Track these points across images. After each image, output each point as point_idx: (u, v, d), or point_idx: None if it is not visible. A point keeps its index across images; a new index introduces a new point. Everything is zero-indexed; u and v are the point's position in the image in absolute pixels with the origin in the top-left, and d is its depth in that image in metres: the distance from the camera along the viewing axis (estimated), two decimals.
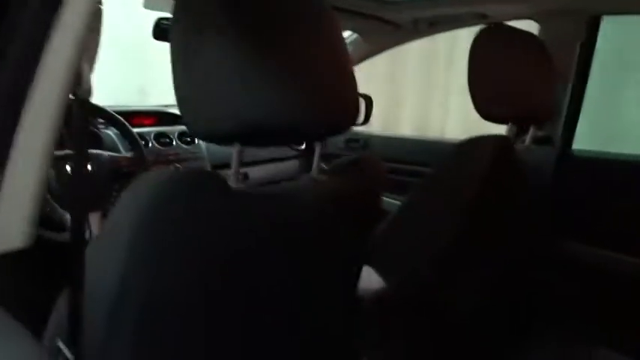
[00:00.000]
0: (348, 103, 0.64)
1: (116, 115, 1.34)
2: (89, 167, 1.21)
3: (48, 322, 0.61)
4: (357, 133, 1.97)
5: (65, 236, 1.15)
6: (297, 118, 0.58)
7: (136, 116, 1.59)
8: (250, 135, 0.58)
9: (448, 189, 1.09)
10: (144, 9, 1.49)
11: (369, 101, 2.03)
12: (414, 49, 2.96)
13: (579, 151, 1.47)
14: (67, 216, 1.17)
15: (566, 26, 1.37)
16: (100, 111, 1.32)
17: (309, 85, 0.58)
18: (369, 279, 1.07)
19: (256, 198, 0.63)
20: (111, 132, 1.45)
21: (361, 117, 2.12)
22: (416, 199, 1.16)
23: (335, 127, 0.66)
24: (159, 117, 1.69)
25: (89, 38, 0.43)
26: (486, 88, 1.10)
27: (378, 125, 2.47)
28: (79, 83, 0.43)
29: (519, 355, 1.15)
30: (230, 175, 0.62)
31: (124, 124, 1.35)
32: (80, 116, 0.45)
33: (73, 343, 0.54)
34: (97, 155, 1.26)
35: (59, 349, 0.55)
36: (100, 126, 1.45)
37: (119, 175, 1.30)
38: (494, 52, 1.10)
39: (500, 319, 1.32)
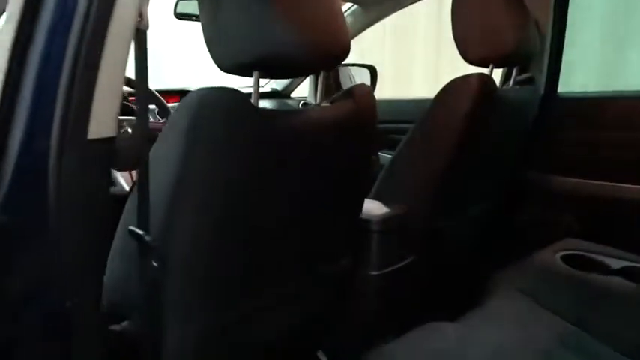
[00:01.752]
0: (343, 37, 0.82)
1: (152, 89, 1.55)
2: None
3: (121, 218, 0.78)
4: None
5: (117, 189, 1.32)
6: (305, 50, 0.75)
7: (163, 94, 1.78)
8: (267, 65, 0.76)
9: (439, 123, 1.23)
10: None
11: (373, 71, 2.19)
12: None
13: (564, 92, 1.60)
14: (118, 176, 1.34)
15: None
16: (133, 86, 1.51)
17: (311, 22, 0.75)
18: (373, 208, 1.23)
19: (275, 114, 0.81)
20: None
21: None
22: (412, 136, 1.31)
23: (336, 57, 0.83)
24: (182, 95, 1.89)
25: None
26: (468, 34, 1.25)
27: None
28: (140, 17, 0.61)
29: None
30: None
31: (159, 96, 1.55)
32: (141, 46, 0.63)
33: (142, 226, 0.70)
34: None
35: (132, 232, 0.71)
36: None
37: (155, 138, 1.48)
38: (472, 3, 1.25)
39: (490, 240, 1.46)
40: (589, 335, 0.84)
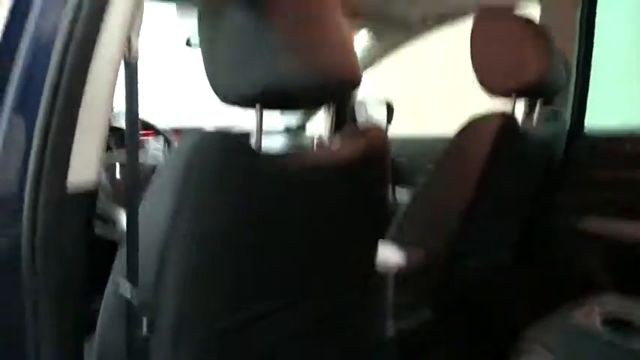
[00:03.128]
0: (352, 67, 0.74)
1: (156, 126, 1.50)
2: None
3: (112, 267, 0.71)
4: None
5: (111, 230, 1.26)
6: (311, 80, 0.68)
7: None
8: (270, 98, 0.68)
9: (457, 166, 1.16)
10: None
11: (390, 107, 2.13)
12: None
13: (591, 128, 1.52)
14: (116, 212, 1.28)
15: (566, 4, 1.44)
16: (142, 123, 1.46)
17: (317, 50, 0.68)
18: (389, 254, 1.14)
19: (279, 158, 0.73)
20: (150, 143, 1.61)
21: (383, 121, 2.23)
22: (430, 179, 1.24)
23: (345, 88, 0.76)
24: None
25: (136, 13, 0.54)
26: (488, 65, 1.18)
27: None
28: (129, 48, 0.54)
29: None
30: (252, 136, 0.72)
31: (164, 133, 1.50)
32: (130, 78, 0.56)
33: (131, 281, 0.63)
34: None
35: (121, 287, 0.64)
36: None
37: None
38: (493, 32, 1.19)
39: (515, 289, 1.37)
40: None
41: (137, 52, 0.55)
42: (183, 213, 0.63)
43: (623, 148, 1.44)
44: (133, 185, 0.58)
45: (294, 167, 0.74)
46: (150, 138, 1.60)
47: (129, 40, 0.53)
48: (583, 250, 1.43)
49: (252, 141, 0.70)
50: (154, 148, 1.58)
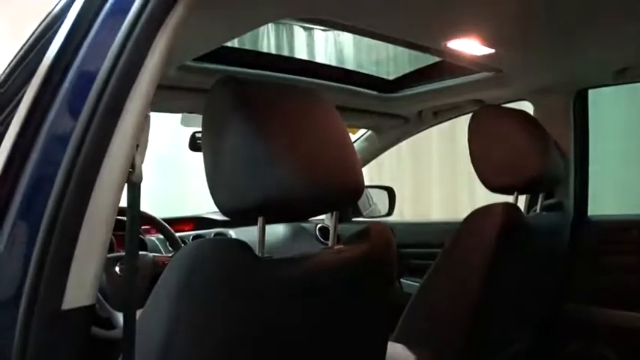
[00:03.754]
0: (354, 176, 0.75)
1: (160, 220, 1.50)
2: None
3: None
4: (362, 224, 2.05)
5: (114, 333, 1.23)
6: (313, 191, 0.69)
7: (176, 223, 1.74)
8: (272, 210, 0.69)
9: (463, 259, 1.15)
10: (180, 129, 1.70)
11: (391, 192, 2.15)
12: None
13: (595, 216, 1.52)
14: (116, 314, 1.26)
15: (558, 102, 1.50)
16: (145, 217, 1.47)
17: (320, 161, 0.70)
18: (398, 354, 1.10)
19: (281, 263, 0.73)
20: (153, 237, 1.60)
21: (385, 208, 2.23)
22: (436, 272, 1.22)
23: (348, 198, 0.77)
24: (197, 222, 1.86)
25: (140, 136, 0.56)
26: (488, 162, 1.20)
27: None
28: (132, 170, 0.56)
29: None
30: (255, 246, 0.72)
31: (167, 227, 1.50)
32: (134, 199, 0.57)
33: None
34: (143, 256, 1.39)
35: None
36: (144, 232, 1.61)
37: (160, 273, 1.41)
38: (490, 129, 1.22)
39: None
40: None
41: (141, 172, 0.57)
42: (183, 331, 0.62)
43: (629, 233, 1.43)
44: (129, 307, 0.57)
45: (299, 273, 0.73)
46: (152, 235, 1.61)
47: (133, 161, 0.55)
48: (597, 340, 1.38)
49: (255, 251, 0.70)
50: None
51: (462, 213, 1.35)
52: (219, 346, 0.65)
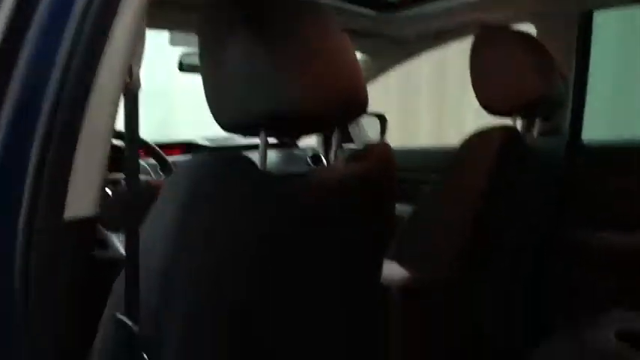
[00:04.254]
0: (358, 90, 0.73)
1: (152, 143, 1.47)
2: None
3: (107, 303, 0.68)
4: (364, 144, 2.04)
5: (107, 254, 1.23)
6: (317, 105, 0.66)
7: (165, 147, 1.71)
8: (275, 124, 0.67)
9: (460, 182, 1.15)
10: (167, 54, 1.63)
11: (382, 119, 2.12)
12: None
13: (589, 140, 1.52)
14: (109, 235, 1.25)
15: (561, 24, 1.45)
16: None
17: (323, 74, 0.66)
18: (393, 271, 1.13)
19: (284, 179, 0.71)
20: (143, 162, 1.58)
21: (376, 135, 2.21)
22: (432, 194, 1.22)
23: (353, 112, 0.74)
24: (186, 147, 1.83)
25: (137, 42, 0.53)
26: (489, 84, 1.17)
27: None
28: (130, 78, 0.52)
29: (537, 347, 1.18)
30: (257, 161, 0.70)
31: (159, 151, 1.47)
32: (131, 107, 0.54)
33: (131, 314, 0.60)
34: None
35: (119, 322, 0.62)
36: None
37: (153, 197, 1.40)
38: (492, 51, 1.18)
39: (518, 308, 1.35)
40: None
41: (139, 81, 0.53)
42: (187, 243, 0.61)
43: (623, 157, 1.44)
44: (131, 220, 0.56)
45: (302, 189, 0.72)
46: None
47: (130, 69, 0.52)
48: (595, 264, 1.43)
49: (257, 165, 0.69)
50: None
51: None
52: (219, 260, 0.65)
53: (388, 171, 0.87)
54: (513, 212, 1.25)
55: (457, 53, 3.09)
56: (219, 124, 0.69)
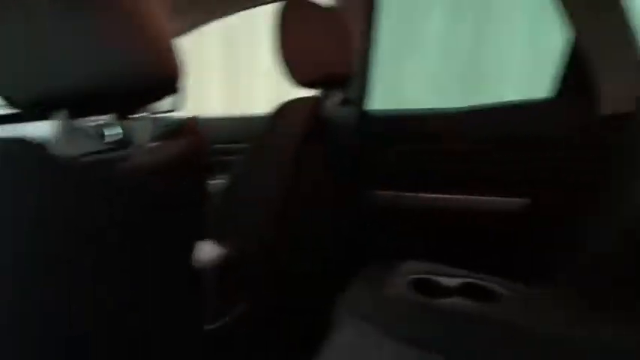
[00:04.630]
0: (175, 63, 0.66)
1: None
2: None
3: None
4: (170, 119, 1.93)
5: None
6: (127, 81, 0.58)
7: None
8: (77, 102, 0.57)
9: (270, 151, 1.15)
10: None
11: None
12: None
13: (372, 110, 1.68)
14: None
15: None
16: None
17: (133, 48, 0.58)
18: (206, 251, 1.09)
19: (89, 165, 0.62)
20: None
21: (170, 103, 2.09)
22: (243, 167, 1.21)
23: (168, 88, 0.67)
24: None
25: None
26: (294, 57, 1.19)
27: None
28: None
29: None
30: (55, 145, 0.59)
31: None
32: None
33: None
34: None
35: None
36: None
37: None
38: (296, 23, 1.20)
39: (331, 269, 1.46)
40: None
41: None
42: None
43: (407, 126, 1.63)
44: None
45: (108, 174, 0.64)
46: None
47: None
48: (389, 221, 1.60)
49: (55, 150, 0.58)
50: None
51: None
52: (14, 262, 0.54)
53: (202, 147, 0.83)
54: (321, 177, 1.32)
55: (247, 19, 3.09)
56: (6, 100, 0.56)
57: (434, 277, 0.98)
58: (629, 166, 1.18)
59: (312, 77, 1.18)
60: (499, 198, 1.50)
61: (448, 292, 0.95)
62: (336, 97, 1.37)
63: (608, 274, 0.96)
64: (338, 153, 1.43)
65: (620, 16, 1.41)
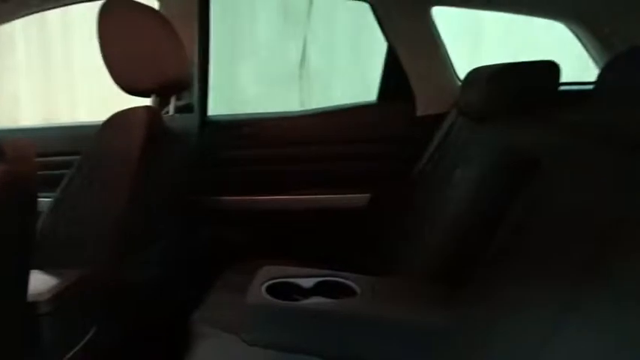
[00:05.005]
0: None
1: None
2: None
3: None
4: None
5: None
6: None
7: None
8: None
9: (109, 163, 1.07)
10: None
11: None
12: None
13: (214, 116, 1.66)
14: None
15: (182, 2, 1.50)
16: None
17: None
18: (39, 282, 0.97)
19: None
20: None
21: None
22: (74, 182, 1.10)
23: None
24: None
25: None
26: (123, 62, 1.11)
27: None
28: None
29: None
30: None
31: None
32: None
33: None
34: None
35: None
36: None
37: None
38: (120, 26, 1.11)
39: (183, 279, 1.41)
40: None
41: None
42: None
43: (242, 131, 1.64)
44: None
45: None
46: None
47: None
48: (231, 224, 1.59)
49: None
50: None
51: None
52: None
53: (30, 168, 0.73)
54: (161, 187, 1.26)
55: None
56: None
57: (291, 280, 1.00)
58: (447, 159, 1.35)
59: (144, 84, 1.12)
60: (341, 195, 1.59)
61: (306, 292, 0.98)
62: (172, 104, 1.32)
63: (440, 260, 1.08)
64: (179, 162, 1.38)
65: (429, 28, 1.61)
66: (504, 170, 1.03)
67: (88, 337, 1.03)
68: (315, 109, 1.77)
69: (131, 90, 1.13)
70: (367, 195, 1.58)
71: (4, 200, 0.70)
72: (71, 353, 0.97)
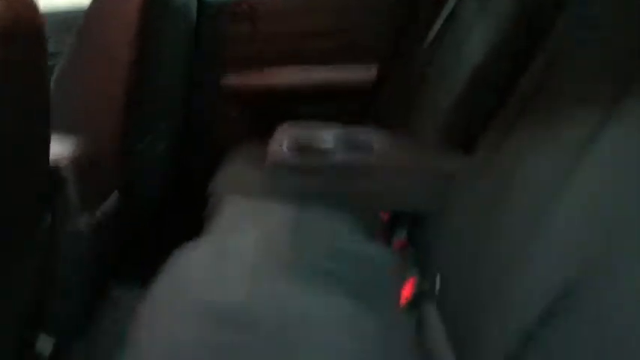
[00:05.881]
0: None
1: None
2: None
3: None
4: None
5: None
6: None
7: None
8: None
9: (106, 41, 1.05)
10: None
11: None
12: None
13: None
14: None
15: None
16: None
17: None
18: (60, 149, 0.96)
19: None
20: None
21: None
22: (75, 58, 1.08)
23: None
24: None
25: None
26: None
27: None
28: None
29: None
30: None
31: None
32: None
33: None
34: None
35: None
36: None
37: None
38: None
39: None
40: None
41: None
42: None
43: (239, 8, 1.56)
44: None
45: None
46: None
47: None
48: (236, 101, 1.56)
49: None
50: None
51: None
52: None
53: (36, 25, 0.69)
54: (165, 63, 1.23)
55: None
56: None
57: (311, 138, 1.00)
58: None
59: None
60: (348, 66, 1.54)
61: (326, 150, 0.99)
62: None
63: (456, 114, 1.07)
64: (184, 35, 1.34)
65: None
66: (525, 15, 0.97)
67: (109, 201, 1.05)
68: None
69: None
70: (375, 65, 1.53)
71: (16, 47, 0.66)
72: (95, 217, 1.00)
